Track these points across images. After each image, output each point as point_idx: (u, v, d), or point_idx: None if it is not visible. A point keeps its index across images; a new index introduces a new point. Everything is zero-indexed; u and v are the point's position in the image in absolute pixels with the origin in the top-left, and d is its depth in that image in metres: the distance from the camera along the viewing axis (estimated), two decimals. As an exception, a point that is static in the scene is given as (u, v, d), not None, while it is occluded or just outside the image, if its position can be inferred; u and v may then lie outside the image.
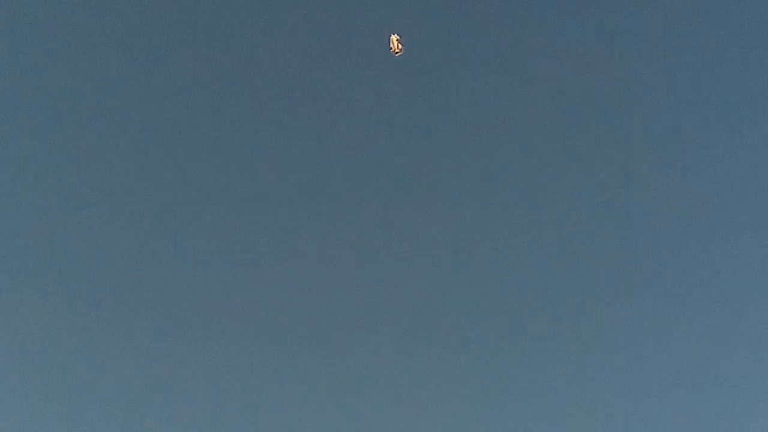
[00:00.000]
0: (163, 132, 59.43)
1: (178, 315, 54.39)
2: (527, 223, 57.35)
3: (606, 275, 55.52)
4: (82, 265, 55.69)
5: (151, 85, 59.85)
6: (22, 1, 59.52)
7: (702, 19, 60.49)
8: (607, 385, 51.73)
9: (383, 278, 55.85)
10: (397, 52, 47.08)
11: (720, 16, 60.31)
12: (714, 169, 57.97)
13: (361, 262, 56.48)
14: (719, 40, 60.05)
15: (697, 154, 58.57)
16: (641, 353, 52.67)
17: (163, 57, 60.31)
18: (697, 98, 59.39)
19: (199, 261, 56.12)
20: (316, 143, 59.22)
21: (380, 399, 51.46)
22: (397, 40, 47.19)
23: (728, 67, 59.61)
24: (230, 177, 58.49)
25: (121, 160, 58.54)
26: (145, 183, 58.06)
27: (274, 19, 61.10)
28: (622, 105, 59.68)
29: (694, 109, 59.30)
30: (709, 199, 57.18)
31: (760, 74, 58.82)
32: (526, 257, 56.36)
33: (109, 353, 52.84)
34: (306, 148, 59.15)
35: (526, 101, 59.86)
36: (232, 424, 50.59)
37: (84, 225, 56.84)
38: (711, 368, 51.96)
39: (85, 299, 54.66)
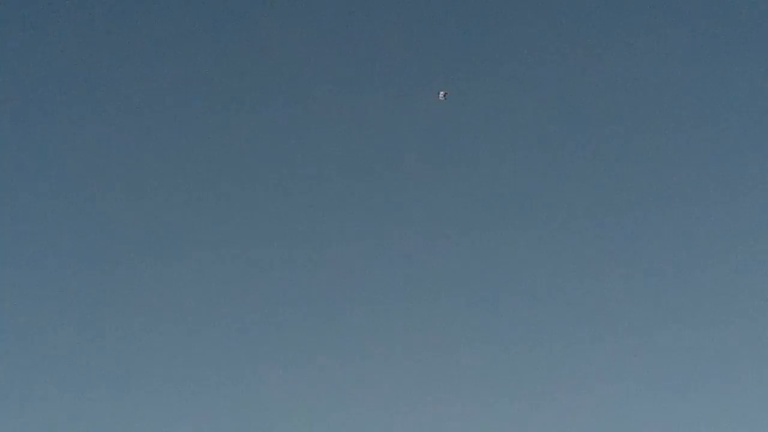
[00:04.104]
0: (161, 130, 59.88)
1: (179, 312, 54.68)
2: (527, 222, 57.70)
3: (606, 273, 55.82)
4: (81, 263, 56.00)
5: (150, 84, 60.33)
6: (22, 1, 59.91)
7: (701, 20, 60.95)
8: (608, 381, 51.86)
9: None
10: None
11: (720, 16, 60.72)
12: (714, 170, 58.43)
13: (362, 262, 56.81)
14: (719, 39, 60.46)
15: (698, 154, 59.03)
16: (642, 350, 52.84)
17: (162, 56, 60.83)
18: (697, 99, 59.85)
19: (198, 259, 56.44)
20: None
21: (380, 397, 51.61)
22: None
23: (728, 68, 59.99)
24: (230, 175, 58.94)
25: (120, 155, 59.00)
26: (146, 180, 58.51)
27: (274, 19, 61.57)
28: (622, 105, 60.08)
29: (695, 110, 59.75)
30: (710, 199, 57.52)
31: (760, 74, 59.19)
32: (526, 258, 56.67)
33: (110, 353, 53.08)
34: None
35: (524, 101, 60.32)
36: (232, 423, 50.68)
37: (83, 223, 57.23)
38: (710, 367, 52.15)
39: (85, 298, 54.95)
